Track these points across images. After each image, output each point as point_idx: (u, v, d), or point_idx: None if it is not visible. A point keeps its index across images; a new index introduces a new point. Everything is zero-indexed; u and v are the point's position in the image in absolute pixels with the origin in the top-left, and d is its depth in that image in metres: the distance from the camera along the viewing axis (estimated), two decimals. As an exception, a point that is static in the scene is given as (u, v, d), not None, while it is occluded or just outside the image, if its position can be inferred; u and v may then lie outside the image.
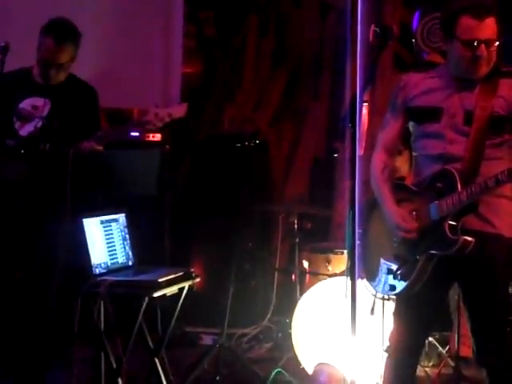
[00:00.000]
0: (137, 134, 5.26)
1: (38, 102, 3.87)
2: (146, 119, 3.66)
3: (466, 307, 3.09)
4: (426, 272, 3.00)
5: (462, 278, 3.06)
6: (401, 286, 3.06)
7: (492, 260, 3.00)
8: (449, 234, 2.90)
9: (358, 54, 2.59)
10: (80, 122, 3.85)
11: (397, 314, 3.24)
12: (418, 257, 3.01)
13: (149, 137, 5.34)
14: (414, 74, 3.19)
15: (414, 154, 3.19)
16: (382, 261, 3.13)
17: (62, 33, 3.81)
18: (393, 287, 3.10)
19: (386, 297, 3.75)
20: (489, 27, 2.90)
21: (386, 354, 3.24)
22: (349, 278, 2.90)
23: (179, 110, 3.71)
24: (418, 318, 3.14)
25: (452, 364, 4.50)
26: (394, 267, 3.09)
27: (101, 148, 3.80)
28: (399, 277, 3.06)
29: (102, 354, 3.50)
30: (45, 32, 3.85)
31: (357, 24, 2.57)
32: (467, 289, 3.08)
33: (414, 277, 3.01)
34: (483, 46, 2.90)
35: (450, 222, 2.91)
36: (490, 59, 2.95)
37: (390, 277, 3.10)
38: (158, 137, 5.38)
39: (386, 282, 3.13)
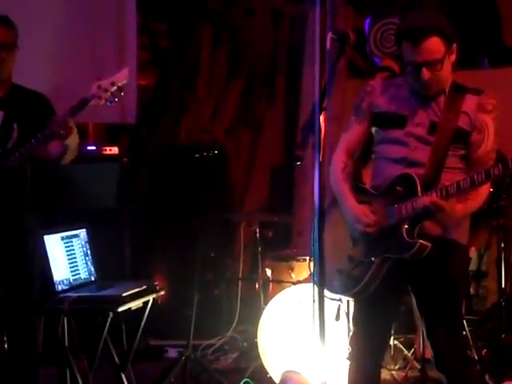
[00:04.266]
0: (93, 147, 5.23)
1: None
2: (90, 94, 3.60)
3: (420, 312, 3.12)
4: (380, 274, 3.03)
5: (416, 282, 3.09)
6: (354, 287, 3.08)
7: (446, 266, 3.04)
8: (406, 238, 2.94)
9: (316, 61, 2.60)
10: (38, 129, 3.78)
11: (355, 317, 3.29)
12: (372, 259, 3.03)
13: (106, 150, 5.32)
14: (382, 80, 3.23)
15: (373, 156, 3.21)
16: (337, 262, 3.13)
17: None
18: (347, 288, 3.13)
19: (342, 298, 3.77)
20: (426, 50, 2.91)
21: (349, 360, 3.26)
22: (315, 284, 2.90)
23: (121, 76, 3.68)
24: (376, 319, 3.17)
25: (418, 366, 4.54)
26: (348, 268, 3.11)
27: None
28: (353, 278, 3.09)
29: (68, 371, 3.45)
30: None
31: (313, 32, 2.58)
32: (421, 293, 3.11)
33: (368, 278, 3.03)
34: (424, 68, 2.93)
35: (408, 226, 2.95)
36: (437, 79, 2.98)
37: (343, 277, 3.12)
38: (115, 150, 5.36)
39: (340, 283, 3.14)
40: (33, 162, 3.69)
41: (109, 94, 3.61)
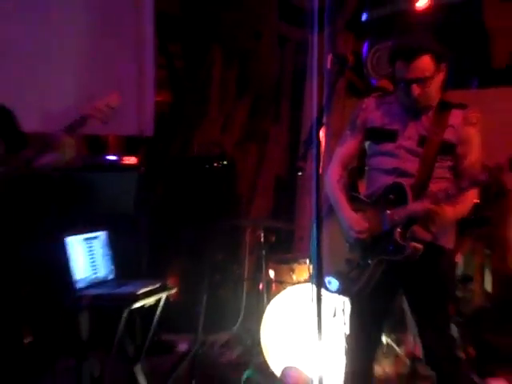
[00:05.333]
0: (114, 157, 5.23)
1: None
2: (87, 113, 3.56)
3: (411, 311, 3.13)
4: (376, 276, 3.03)
5: (408, 283, 3.08)
6: (353, 288, 3.08)
7: (435, 269, 3.04)
8: (399, 241, 2.94)
9: (316, 81, 2.59)
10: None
11: (351, 316, 3.27)
12: (369, 261, 3.04)
13: (125, 160, 5.32)
14: (374, 98, 3.22)
15: (366, 168, 3.21)
16: (334, 265, 3.12)
17: None
18: (345, 289, 3.13)
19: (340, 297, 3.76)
20: (417, 68, 2.92)
21: (345, 356, 3.26)
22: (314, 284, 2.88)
23: (114, 99, 3.64)
24: (370, 317, 3.16)
25: (408, 363, 4.52)
26: (346, 271, 3.10)
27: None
28: (351, 279, 3.08)
29: (85, 363, 3.44)
30: None
31: (315, 54, 2.56)
32: (412, 294, 3.11)
33: (365, 280, 3.04)
34: (415, 84, 2.93)
35: (401, 230, 2.95)
36: (427, 95, 2.98)
37: (342, 279, 3.11)
38: (133, 160, 5.36)
39: (337, 284, 3.13)
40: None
41: (102, 115, 3.57)
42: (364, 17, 6.12)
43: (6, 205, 3.67)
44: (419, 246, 2.93)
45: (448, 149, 3.00)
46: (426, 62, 2.92)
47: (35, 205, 3.75)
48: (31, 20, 4.84)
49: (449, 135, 2.99)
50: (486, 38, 5.80)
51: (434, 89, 3.00)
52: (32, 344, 3.77)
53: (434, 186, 2.96)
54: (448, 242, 3.10)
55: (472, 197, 3.00)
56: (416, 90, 2.94)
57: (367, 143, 3.17)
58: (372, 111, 3.16)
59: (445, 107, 3.04)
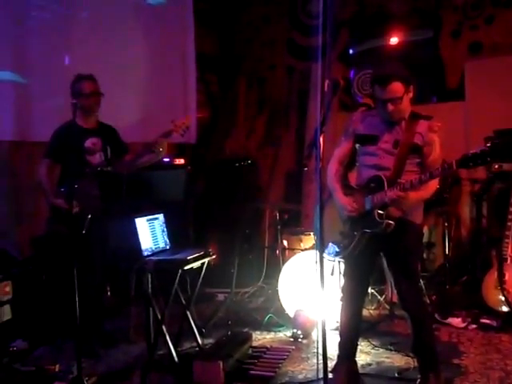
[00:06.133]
0: (168, 159, 5.25)
1: None
2: (169, 129, 3.68)
3: (389, 269, 3.11)
4: (361, 243, 3.04)
5: (386, 249, 3.08)
6: (344, 252, 3.09)
7: (406, 238, 3.03)
8: (377, 218, 2.93)
9: (317, 100, 2.58)
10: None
11: (345, 272, 3.27)
12: (355, 233, 3.03)
13: (176, 161, 5.35)
14: (361, 112, 3.21)
15: (357, 164, 3.20)
16: (331, 237, 3.13)
17: None
18: (338, 253, 3.13)
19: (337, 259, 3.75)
20: (390, 90, 2.89)
21: (341, 302, 3.26)
22: (317, 251, 2.89)
23: (189, 119, 3.83)
24: (359, 273, 3.17)
25: (387, 307, 4.52)
26: (340, 240, 3.11)
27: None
28: (343, 246, 3.09)
29: (151, 309, 3.47)
30: None
31: (316, 80, 2.56)
32: (389, 257, 3.10)
33: (353, 246, 3.05)
34: (389, 103, 2.91)
35: (379, 211, 2.94)
36: (399, 110, 2.96)
37: (336, 246, 3.13)
38: (182, 161, 5.39)
39: (334, 250, 3.14)
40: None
41: (182, 131, 3.68)
42: (351, 51, 6.09)
43: (102, 194, 3.77)
44: (391, 222, 2.93)
45: (416, 150, 2.98)
46: (397, 86, 2.89)
47: (114, 194, 3.81)
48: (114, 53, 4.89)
49: (417, 139, 2.97)
50: (442, 66, 5.74)
51: (405, 105, 2.97)
52: (112, 295, 3.81)
53: (404, 178, 2.95)
54: (416, 218, 3.08)
55: (433, 185, 2.98)
56: (390, 107, 2.93)
57: (357, 145, 3.15)
58: (360, 122, 3.14)
59: (414, 117, 3.02)
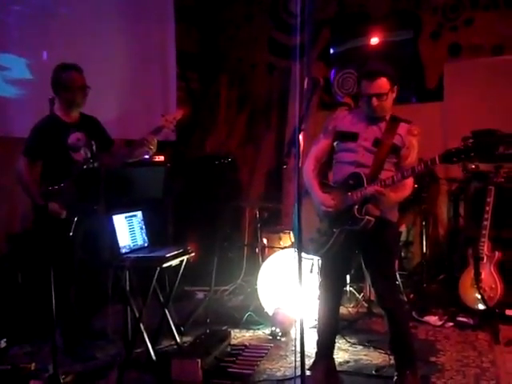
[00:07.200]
0: (147, 156, 5.19)
1: None
2: (160, 125, 3.57)
3: (366, 267, 3.12)
4: (339, 241, 3.04)
5: (363, 247, 3.09)
6: (322, 249, 3.08)
7: (384, 236, 3.04)
8: (357, 215, 2.94)
9: (297, 98, 2.58)
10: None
11: (322, 270, 3.27)
12: (334, 230, 3.04)
13: (155, 158, 5.29)
14: (343, 111, 3.23)
15: (334, 161, 3.20)
16: (309, 233, 3.12)
17: None
18: (316, 251, 3.13)
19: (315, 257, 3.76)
20: (377, 85, 2.93)
21: (319, 300, 3.26)
22: (296, 248, 2.89)
23: (178, 113, 3.65)
24: (336, 271, 3.18)
25: (365, 305, 4.54)
26: (317, 237, 3.10)
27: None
28: (321, 244, 3.09)
29: (128, 307, 3.44)
30: None
31: (296, 78, 2.56)
32: (366, 255, 3.11)
33: (331, 243, 3.05)
34: (374, 98, 2.94)
35: (358, 207, 2.94)
36: (383, 107, 2.99)
37: (315, 244, 3.12)
38: (161, 158, 5.34)
39: (311, 248, 3.14)
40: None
41: (173, 125, 3.57)
42: (332, 50, 6.10)
43: (80, 190, 3.65)
44: (371, 219, 2.94)
45: (395, 150, 3.00)
46: (383, 82, 2.93)
47: (92, 191, 3.73)
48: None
49: (397, 140, 3.00)
50: (421, 67, 5.78)
51: (388, 103, 3.00)
52: (88, 294, 3.77)
53: (382, 175, 2.97)
54: (393, 216, 3.11)
55: (410, 185, 3.01)
56: (375, 102, 2.95)
57: (336, 143, 3.16)
58: (341, 120, 3.16)
59: (395, 120, 3.05)
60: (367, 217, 2.93)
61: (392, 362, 3.21)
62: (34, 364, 3.40)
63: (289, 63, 6.01)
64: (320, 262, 3.40)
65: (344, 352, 3.68)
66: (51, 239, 3.13)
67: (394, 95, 3.01)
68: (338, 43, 6.06)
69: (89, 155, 3.61)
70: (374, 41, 5.76)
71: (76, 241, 3.56)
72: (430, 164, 2.78)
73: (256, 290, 4.40)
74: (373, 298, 4.25)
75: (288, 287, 4.17)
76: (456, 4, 5.67)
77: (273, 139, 6.41)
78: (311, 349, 3.30)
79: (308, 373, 3.12)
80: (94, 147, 3.61)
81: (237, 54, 6.69)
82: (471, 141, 2.73)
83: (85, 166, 3.52)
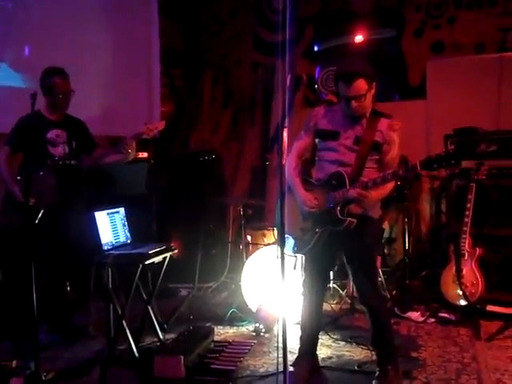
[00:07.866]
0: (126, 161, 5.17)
1: None
2: (140, 131, 3.67)
3: (348, 265, 3.12)
4: (322, 240, 3.05)
5: (346, 245, 3.09)
6: (305, 247, 3.09)
7: (367, 233, 3.05)
8: (339, 216, 2.94)
9: (281, 95, 2.58)
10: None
11: (305, 267, 3.29)
12: (317, 230, 3.04)
13: (139, 155, 5.25)
14: (323, 107, 3.21)
15: (316, 159, 3.19)
16: (292, 232, 3.13)
17: None
18: (300, 249, 3.14)
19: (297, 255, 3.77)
20: (355, 87, 2.90)
21: (302, 297, 3.26)
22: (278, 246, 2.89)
23: (160, 124, 3.77)
24: (319, 268, 3.20)
25: (349, 301, 4.56)
26: (300, 235, 3.11)
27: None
28: (304, 242, 3.10)
29: (111, 304, 3.42)
30: None
31: (280, 75, 2.56)
32: (348, 253, 3.10)
33: (313, 242, 3.06)
34: (353, 100, 2.92)
35: (340, 208, 2.95)
36: (362, 107, 2.97)
37: (298, 242, 3.13)
38: (145, 155, 5.31)
39: (294, 246, 3.14)
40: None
41: (152, 134, 3.68)
42: (316, 48, 6.11)
43: (61, 187, 3.66)
44: (353, 220, 2.95)
45: (377, 147, 3.00)
46: (361, 84, 2.90)
47: (74, 188, 3.73)
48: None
49: (378, 137, 2.99)
50: (404, 64, 5.82)
51: (368, 102, 2.99)
52: (71, 291, 3.74)
53: (365, 174, 2.97)
54: (375, 213, 3.12)
55: (392, 183, 3.00)
56: (354, 104, 2.94)
57: (317, 140, 3.15)
58: (321, 117, 3.14)
59: (375, 115, 3.04)
60: (349, 218, 2.94)
61: (374, 357, 3.23)
62: (15, 361, 3.37)
63: (273, 60, 6.01)
64: (303, 259, 3.41)
65: (327, 348, 3.70)
66: (17, 227, 3.15)
67: (373, 91, 2.98)
68: (321, 41, 6.06)
69: (67, 151, 3.77)
70: (358, 38, 5.78)
71: (45, 232, 3.57)
72: (411, 170, 2.79)
73: (240, 286, 4.40)
74: (355, 294, 4.27)
75: (271, 284, 4.17)
76: (439, 2, 5.71)
77: (257, 136, 6.41)
78: (294, 345, 3.31)
79: (291, 369, 3.13)
80: (73, 145, 3.74)
81: (221, 50, 6.68)
82: (452, 147, 2.74)
83: (60, 162, 3.68)
